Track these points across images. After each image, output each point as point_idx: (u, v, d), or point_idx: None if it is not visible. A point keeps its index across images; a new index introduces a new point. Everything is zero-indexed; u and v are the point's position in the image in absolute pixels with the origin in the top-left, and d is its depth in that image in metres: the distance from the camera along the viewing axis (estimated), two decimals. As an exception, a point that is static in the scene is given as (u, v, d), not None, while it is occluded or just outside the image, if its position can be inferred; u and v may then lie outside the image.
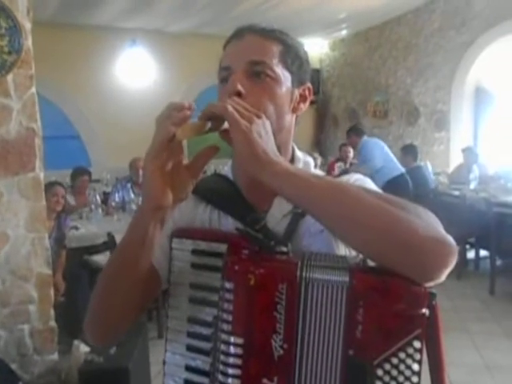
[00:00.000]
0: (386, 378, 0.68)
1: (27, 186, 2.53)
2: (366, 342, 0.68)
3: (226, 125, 0.73)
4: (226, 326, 0.73)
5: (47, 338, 2.66)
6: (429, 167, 5.86)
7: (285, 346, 0.70)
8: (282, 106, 0.86)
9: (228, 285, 0.73)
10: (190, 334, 0.81)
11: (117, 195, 4.70)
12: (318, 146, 8.67)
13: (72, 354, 2.81)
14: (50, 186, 3.51)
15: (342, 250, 0.84)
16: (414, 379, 0.68)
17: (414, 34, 6.87)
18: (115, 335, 0.90)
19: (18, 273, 2.56)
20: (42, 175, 2.59)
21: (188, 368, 0.81)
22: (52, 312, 2.68)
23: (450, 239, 0.70)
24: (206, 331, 0.79)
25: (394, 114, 7.38)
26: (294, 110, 0.91)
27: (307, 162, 0.95)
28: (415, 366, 0.67)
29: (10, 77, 2.45)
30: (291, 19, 6.26)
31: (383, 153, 5.42)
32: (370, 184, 0.91)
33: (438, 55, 6.47)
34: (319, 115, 8.71)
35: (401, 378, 0.67)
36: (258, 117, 0.74)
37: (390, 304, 0.68)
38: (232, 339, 0.72)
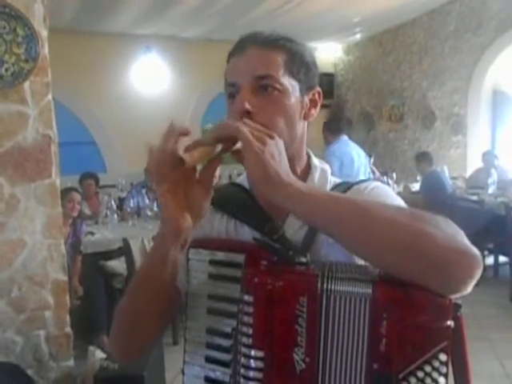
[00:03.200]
0: (412, 392, 0.66)
1: (44, 192, 2.54)
2: (391, 356, 0.66)
3: (237, 145, 0.72)
4: (246, 340, 0.71)
5: (63, 343, 2.67)
6: (446, 172, 5.77)
7: (307, 359, 0.69)
8: (292, 117, 0.84)
9: (247, 297, 0.71)
10: (209, 345, 0.80)
11: (132, 201, 4.72)
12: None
13: (88, 360, 2.81)
14: (65, 192, 3.53)
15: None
16: (440, 393, 0.66)
17: (429, 37, 6.81)
18: (139, 351, 0.90)
19: (35, 279, 2.57)
20: (58, 182, 2.60)
21: (207, 379, 0.81)
22: (68, 318, 2.68)
23: (474, 250, 0.68)
24: (225, 342, 0.78)
25: (409, 118, 7.32)
26: (306, 117, 0.89)
27: (324, 170, 0.94)
28: (441, 380, 0.66)
29: (26, 84, 2.46)
30: (305, 24, 6.26)
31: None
32: (387, 191, 0.89)
33: (454, 58, 6.40)
34: (333, 119, 8.67)
35: (427, 392, 0.66)
36: (271, 137, 0.73)
37: (414, 316, 0.66)
38: (252, 352, 0.71)
